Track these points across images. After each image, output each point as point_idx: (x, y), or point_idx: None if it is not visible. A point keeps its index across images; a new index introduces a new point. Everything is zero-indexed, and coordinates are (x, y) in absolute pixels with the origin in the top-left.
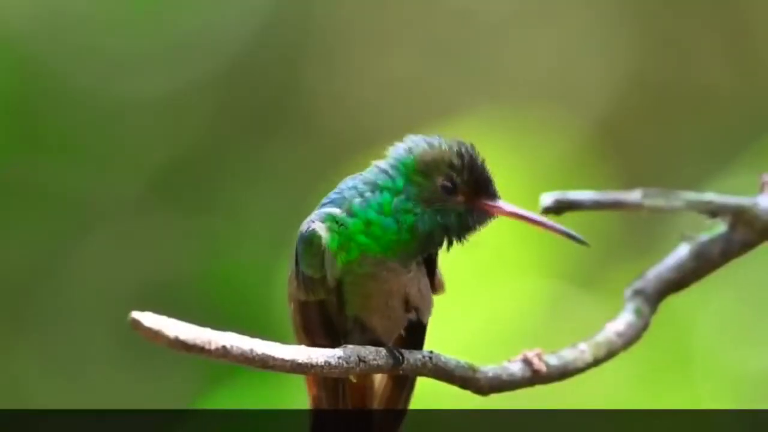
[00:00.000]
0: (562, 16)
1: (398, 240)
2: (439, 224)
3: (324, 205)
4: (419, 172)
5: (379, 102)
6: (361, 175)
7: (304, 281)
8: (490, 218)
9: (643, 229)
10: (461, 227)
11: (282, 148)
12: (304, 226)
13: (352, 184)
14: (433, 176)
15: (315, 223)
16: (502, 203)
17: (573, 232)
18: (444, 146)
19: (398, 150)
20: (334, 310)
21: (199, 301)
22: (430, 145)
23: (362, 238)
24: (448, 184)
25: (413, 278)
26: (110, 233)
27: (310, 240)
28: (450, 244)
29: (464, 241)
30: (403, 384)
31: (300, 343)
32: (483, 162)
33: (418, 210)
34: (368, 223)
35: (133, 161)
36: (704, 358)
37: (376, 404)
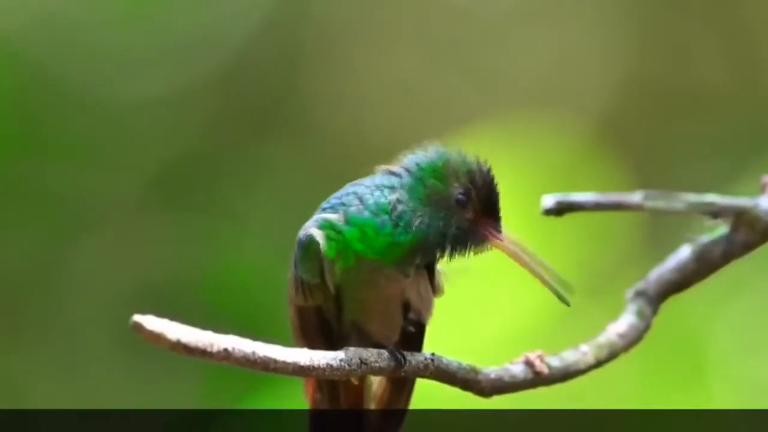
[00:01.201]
0: (562, 16)
1: (393, 242)
2: (438, 228)
3: (324, 209)
4: (437, 174)
5: (378, 103)
6: (365, 179)
7: (302, 286)
8: (486, 244)
9: (653, 238)
10: (458, 240)
11: (282, 148)
12: (301, 232)
13: (353, 190)
14: (450, 182)
15: (312, 229)
16: (505, 236)
17: (560, 290)
18: (468, 158)
19: (417, 153)
20: (332, 315)
21: (199, 301)
22: (454, 153)
23: (358, 246)
24: (462, 195)
25: (413, 282)
26: (110, 234)
27: (308, 246)
28: (441, 253)
29: (454, 257)
30: (403, 384)
31: (298, 344)
32: (498, 190)
33: (419, 208)
34: (363, 229)
35: (133, 162)
36: (715, 364)
37: (376, 405)
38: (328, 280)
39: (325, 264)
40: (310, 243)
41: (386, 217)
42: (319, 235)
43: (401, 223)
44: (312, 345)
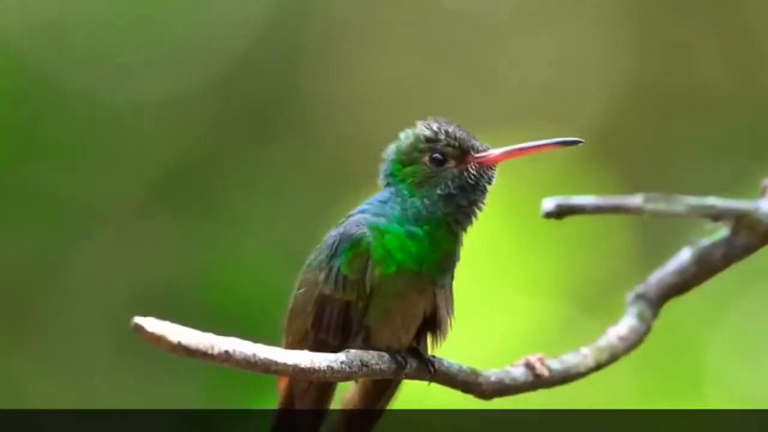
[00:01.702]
0: (561, 18)
1: (430, 245)
2: (441, 196)
3: (364, 211)
4: (405, 163)
5: (378, 105)
6: (364, 204)
7: (335, 278)
8: (487, 170)
9: (654, 241)
10: (463, 189)
11: (282, 151)
12: (352, 229)
13: (367, 207)
14: (419, 158)
15: (363, 227)
16: (491, 151)
17: (562, 139)
18: (416, 129)
19: (382, 164)
20: (356, 313)
21: (200, 303)
22: (404, 135)
23: (399, 255)
24: (438, 156)
25: (444, 298)
26: (111, 236)
27: (358, 243)
28: (467, 215)
29: (479, 205)
30: (386, 386)
31: (293, 329)
32: (458, 125)
33: (418, 199)
34: (401, 238)
35: (134, 165)
36: (712, 369)
37: (355, 405)
38: (367, 278)
39: (369, 263)
40: (361, 239)
41: (412, 225)
42: (369, 235)
43: (424, 225)
44: (318, 335)
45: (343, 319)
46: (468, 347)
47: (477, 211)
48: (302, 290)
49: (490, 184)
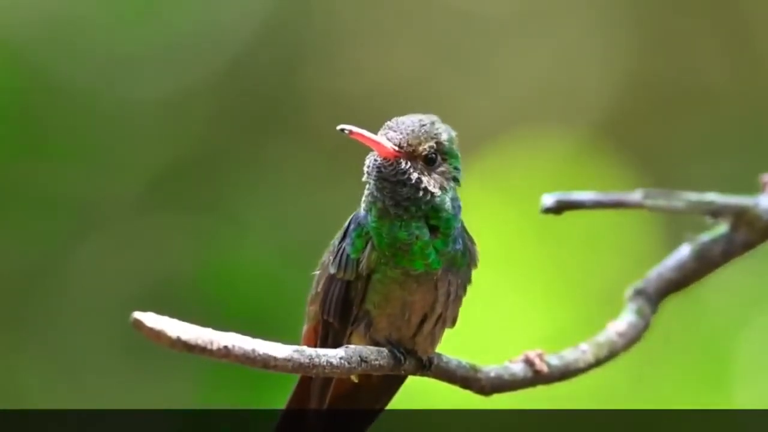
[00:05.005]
0: (563, 18)
1: (383, 235)
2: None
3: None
4: None
5: (379, 104)
6: None
7: (340, 256)
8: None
9: (668, 243)
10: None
11: (283, 149)
12: (361, 213)
13: None
14: None
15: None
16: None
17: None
18: None
19: None
20: (356, 295)
21: (200, 301)
22: None
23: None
24: None
25: (446, 293)
26: (111, 234)
27: (363, 226)
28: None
29: (376, 189)
30: (391, 384)
31: (307, 317)
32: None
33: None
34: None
35: (134, 163)
36: (738, 370)
37: (358, 401)
38: (363, 257)
39: (369, 244)
40: (365, 224)
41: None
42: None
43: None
44: (324, 317)
45: (343, 300)
46: (471, 341)
47: (379, 196)
48: (318, 272)
49: (369, 172)
